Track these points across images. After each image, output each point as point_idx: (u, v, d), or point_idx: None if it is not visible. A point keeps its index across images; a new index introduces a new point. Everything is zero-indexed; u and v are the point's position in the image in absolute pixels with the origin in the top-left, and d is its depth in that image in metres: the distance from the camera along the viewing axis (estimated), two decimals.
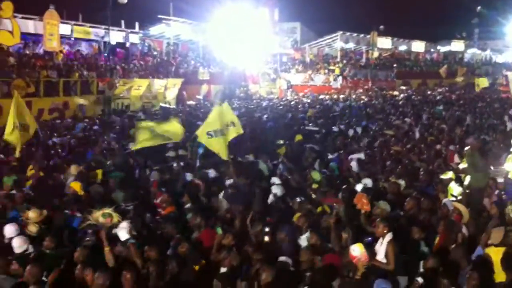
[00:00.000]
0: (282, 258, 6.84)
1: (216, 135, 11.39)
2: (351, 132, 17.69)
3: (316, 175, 10.57)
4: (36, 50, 29.05)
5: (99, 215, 7.46)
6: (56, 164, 12.58)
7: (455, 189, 9.82)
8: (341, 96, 36.77)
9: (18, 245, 7.32)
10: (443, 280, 5.96)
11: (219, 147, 11.38)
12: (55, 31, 28.16)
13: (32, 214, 8.05)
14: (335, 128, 18.47)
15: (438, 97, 34.72)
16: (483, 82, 37.43)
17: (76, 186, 9.87)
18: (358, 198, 8.15)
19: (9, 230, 7.69)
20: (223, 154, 11.33)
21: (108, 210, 7.51)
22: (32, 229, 7.86)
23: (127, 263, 6.66)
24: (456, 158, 13.03)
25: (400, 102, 31.01)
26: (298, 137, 15.58)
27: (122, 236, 7.12)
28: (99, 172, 11.20)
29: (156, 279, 6.30)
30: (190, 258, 6.74)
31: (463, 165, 11.18)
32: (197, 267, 6.56)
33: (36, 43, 29.71)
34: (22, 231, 7.74)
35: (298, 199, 9.06)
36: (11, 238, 7.48)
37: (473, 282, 5.93)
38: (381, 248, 7.01)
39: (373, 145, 15.25)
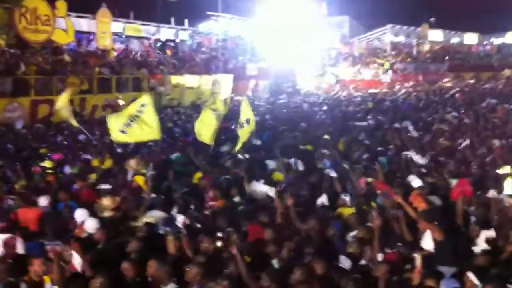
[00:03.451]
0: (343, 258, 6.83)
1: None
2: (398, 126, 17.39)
3: None
4: (89, 48, 29.84)
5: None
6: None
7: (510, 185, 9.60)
8: (394, 89, 36.34)
9: (91, 226, 7.59)
10: (493, 278, 5.78)
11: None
12: (107, 29, 28.90)
13: (106, 201, 8.30)
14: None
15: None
16: None
17: (140, 180, 10.05)
18: (414, 196, 8.06)
19: (80, 214, 7.99)
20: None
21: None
22: (105, 214, 8.14)
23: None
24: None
25: (456, 95, 30.22)
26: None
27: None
28: None
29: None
30: (242, 251, 6.82)
31: None
32: (248, 259, 6.64)
33: (89, 41, 30.52)
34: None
35: (342, 196, 9.07)
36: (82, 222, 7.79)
37: None
38: (427, 241, 6.95)
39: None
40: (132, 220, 8.10)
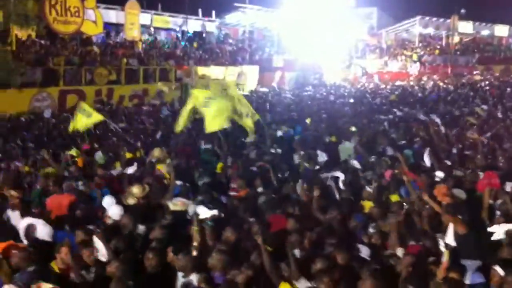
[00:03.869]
0: (360, 246, 6.84)
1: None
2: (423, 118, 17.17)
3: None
4: (117, 39, 30.16)
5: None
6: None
7: None
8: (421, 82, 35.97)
9: (115, 213, 7.70)
10: None
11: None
12: (135, 21, 29.18)
13: (136, 189, 8.41)
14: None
15: None
16: None
17: (162, 168, 10.12)
18: (439, 190, 7.99)
19: (108, 201, 8.15)
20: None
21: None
22: (130, 202, 8.28)
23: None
24: None
25: (486, 88, 29.71)
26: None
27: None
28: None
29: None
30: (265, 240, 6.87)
31: None
32: (270, 249, 6.69)
33: (117, 32, 30.84)
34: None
35: (367, 188, 9.04)
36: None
37: None
38: (450, 235, 6.91)
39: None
40: (157, 207, 8.21)
